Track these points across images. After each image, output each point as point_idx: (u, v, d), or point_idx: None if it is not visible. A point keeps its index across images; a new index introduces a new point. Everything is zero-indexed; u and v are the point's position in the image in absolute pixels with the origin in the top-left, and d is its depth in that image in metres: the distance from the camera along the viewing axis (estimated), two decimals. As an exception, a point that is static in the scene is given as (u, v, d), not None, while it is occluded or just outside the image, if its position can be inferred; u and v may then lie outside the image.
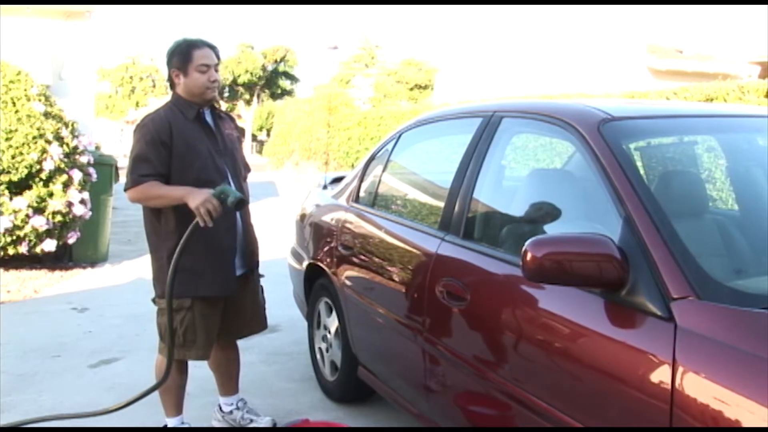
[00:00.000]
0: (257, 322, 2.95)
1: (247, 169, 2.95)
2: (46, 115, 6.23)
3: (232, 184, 2.69)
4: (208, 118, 2.75)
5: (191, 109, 2.68)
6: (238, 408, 3.01)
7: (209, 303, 2.67)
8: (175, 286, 2.53)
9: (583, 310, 1.72)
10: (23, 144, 5.94)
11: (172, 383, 2.76)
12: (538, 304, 1.89)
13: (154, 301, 2.75)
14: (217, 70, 2.72)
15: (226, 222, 2.63)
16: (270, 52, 44.74)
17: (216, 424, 3.05)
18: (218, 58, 2.74)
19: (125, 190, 2.63)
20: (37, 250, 6.10)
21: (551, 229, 2.10)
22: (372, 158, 3.39)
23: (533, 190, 2.35)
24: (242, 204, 2.55)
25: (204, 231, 2.52)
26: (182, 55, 2.66)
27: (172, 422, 2.82)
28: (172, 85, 2.71)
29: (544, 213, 2.22)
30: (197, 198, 2.46)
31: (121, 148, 43.30)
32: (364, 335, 3.03)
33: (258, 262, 2.94)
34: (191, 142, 2.64)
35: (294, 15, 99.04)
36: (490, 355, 2.07)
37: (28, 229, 5.91)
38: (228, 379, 3.02)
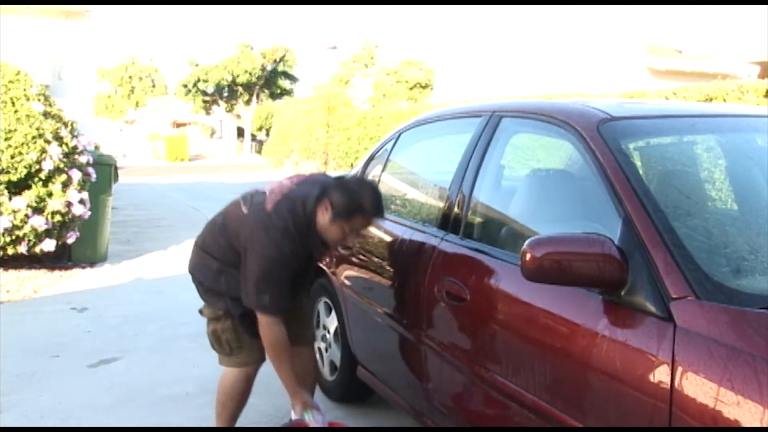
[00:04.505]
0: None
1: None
2: (46, 114, 6.23)
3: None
4: (318, 247, 2.62)
5: (316, 240, 2.53)
6: None
7: None
8: (211, 300, 2.63)
9: (582, 310, 1.72)
10: (22, 144, 5.93)
11: (237, 389, 2.71)
12: (538, 304, 1.89)
13: (201, 312, 2.72)
14: (358, 235, 2.56)
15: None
16: (269, 52, 44.75)
17: None
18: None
19: (254, 308, 2.46)
20: (37, 250, 6.10)
21: (551, 229, 2.10)
22: (371, 158, 3.39)
23: (532, 190, 2.35)
24: None
25: None
26: (346, 209, 2.41)
27: None
28: (319, 199, 2.46)
29: (543, 213, 2.22)
30: (301, 403, 2.54)
31: (120, 148, 43.39)
32: (363, 335, 3.03)
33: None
34: (302, 263, 2.52)
35: (293, 15, 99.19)
36: (489, 355, 2.07)
37: (27, 229, 5.91)
38: None
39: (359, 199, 2.42)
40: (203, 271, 2.65)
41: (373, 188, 2.51)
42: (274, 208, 2.45)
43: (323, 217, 2.45)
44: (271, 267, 2.39)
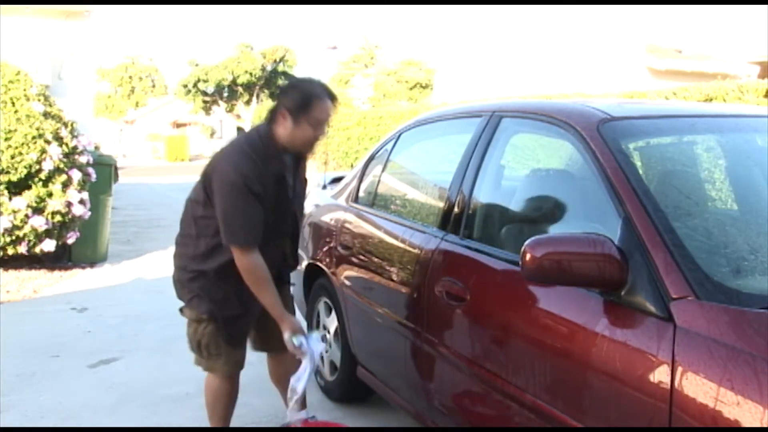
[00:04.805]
0: None
1: (302, 214, 2.85)
2: (46, 115, 6.24)
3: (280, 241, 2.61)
4: (289, 172, 2.56)
5: (280, 161, 2.49)
6: None
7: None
8: (194, 302, 2.57)
9: (582, 310, 1.72)
10: (22, 144, 5.94)
11: (222, 390, 2.67)
12: (538, 304, 1.89)
13: (182, 311, 2.68)
14: (328, 124, 2.52)
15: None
16: (269, 52, 44.72)
17: None
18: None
19: (230, 243, 2.40)
20: (37, 250, 6.10)
21: (551, 229, 2.10)
22: (371, 158, 3.39)
23: (532, 190, 2.35)
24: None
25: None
26: (301, 102, 2.41)
27: None
28: (272, 119, 2.47)
29: (543, 213, 2.22)
30: (290, 327, 2.45)
31: (120, 148, 43.39)
32: (363, 335, 3.03)
33: (290, 273, 2.84)
34: (273, 196, 2.47)
35: (293, 15, 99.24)
36: (489, 355, 2.07)
37: (27, 229, 5.91)
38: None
39: (308, 88, 2.45)
40: (192, 261, 2.61)
41: (314, 78, 2.54)
42: (229, 144, 2.54)
43: (285, 127, 2.44)
44: (236, 194, 2.36)
